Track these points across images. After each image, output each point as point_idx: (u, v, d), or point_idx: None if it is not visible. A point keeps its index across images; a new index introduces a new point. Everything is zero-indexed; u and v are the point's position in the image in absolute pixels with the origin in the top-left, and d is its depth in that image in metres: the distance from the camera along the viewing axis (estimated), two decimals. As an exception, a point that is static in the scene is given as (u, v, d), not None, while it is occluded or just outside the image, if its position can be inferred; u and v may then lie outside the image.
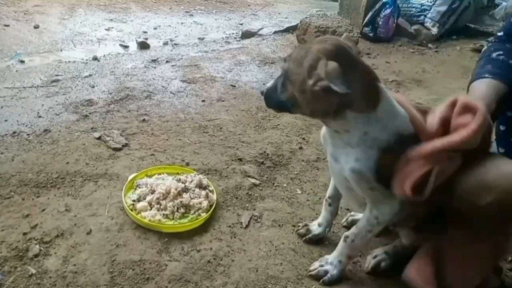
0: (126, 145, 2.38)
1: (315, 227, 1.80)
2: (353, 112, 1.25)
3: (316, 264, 1.63)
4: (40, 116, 2.64)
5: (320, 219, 1.80)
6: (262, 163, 2.39)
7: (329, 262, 1.59)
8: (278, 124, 2.85)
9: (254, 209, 2.01)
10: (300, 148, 2.57)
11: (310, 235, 1.79)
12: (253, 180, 2.21)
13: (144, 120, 2.70)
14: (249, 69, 3.84)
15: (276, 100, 1.37)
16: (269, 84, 1.40)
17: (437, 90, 3.70)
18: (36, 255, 1.59)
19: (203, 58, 4.01)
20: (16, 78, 3.23)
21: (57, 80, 3.22)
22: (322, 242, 1.80)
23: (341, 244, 1.57)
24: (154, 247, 1.70)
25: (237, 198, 2.08)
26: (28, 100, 2.86)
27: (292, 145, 2.60)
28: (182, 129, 2.65)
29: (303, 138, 2.69)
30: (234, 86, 3.40)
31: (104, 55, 3.98)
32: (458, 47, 5.15)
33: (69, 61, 3.71)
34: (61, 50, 4.09)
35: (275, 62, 4.06)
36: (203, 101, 3.09)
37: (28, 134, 2.42)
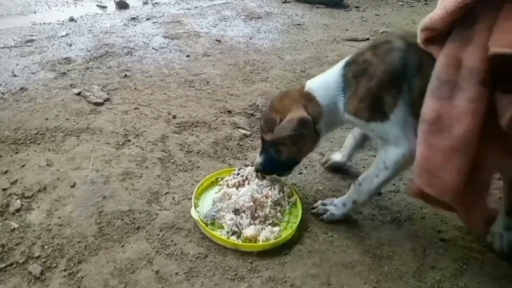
0: (107, 100, 2.27)
1: (336, 155, 1.85)
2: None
3: (318, 203, 1.59)
4: (15, 75, 2.49)
5: (342, 148, 1.84)
6: (252, 114, 2.30)
7: (333, 204, 1.55)
8: (267, 77, 2.74)
9: (246, 159, 1.94)
10: (291, 99, 2.48)
11: (329, 162, 1.85)
12: (243, 131, 2.13)
13: (126, 75, 2.57)
14: (235, 24, 3.67)
15: (279, 165, 1.57)
16: (259, 160, 1.59)
17: (428, 40, 3.60)
18: (17, 210, 1.51)
19: (186, 15, 3.82)
20: (-14, 39, 3.04)
21: (32, 40, 3.04)
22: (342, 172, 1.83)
23: (351, 187, 1.52)
24: (144, 197, 1.62)
25: (227, 149, 2.00)
26: (1, 60, 2.70)
27: (283, 96, 2.50)
28: (167, 84, 2.53)
29: (294, 90, 2.59)
30: (220, 41, 3.25)
31: (81, 16, 3.78)
32: (448, -2, 5.02)
33: (44, 23, 3.51)
34: (35, 12, 3.86)
35: (262, 17, 3.90)
36: (188, 56, 2.95)
37: (2, 93, 2.27)
